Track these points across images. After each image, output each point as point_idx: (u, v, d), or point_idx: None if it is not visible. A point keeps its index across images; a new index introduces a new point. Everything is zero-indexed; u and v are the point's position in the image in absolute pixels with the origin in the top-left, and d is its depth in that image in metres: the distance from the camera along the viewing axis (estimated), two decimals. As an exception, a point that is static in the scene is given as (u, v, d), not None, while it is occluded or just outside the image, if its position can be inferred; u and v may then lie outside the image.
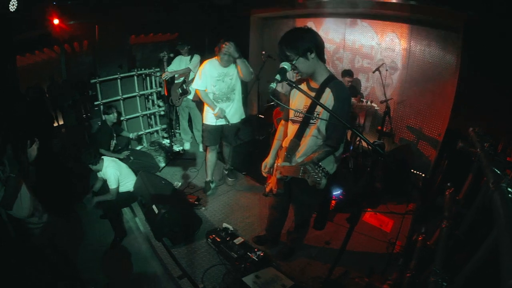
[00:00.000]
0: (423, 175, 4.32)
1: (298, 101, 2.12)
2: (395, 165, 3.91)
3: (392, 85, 4.61)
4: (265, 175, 2.47)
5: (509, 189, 1.22)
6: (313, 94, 1.97)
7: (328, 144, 2.00)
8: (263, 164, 2.43)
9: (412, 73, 4.39)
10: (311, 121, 2.04)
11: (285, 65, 1.78)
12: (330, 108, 1.87)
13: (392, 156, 4.17)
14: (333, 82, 1.95)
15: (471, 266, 1.32)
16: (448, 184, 2.22)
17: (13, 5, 3.62)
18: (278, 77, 1.68)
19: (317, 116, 1.98)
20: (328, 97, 1.92)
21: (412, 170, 4.30)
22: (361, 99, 4.18)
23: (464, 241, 1.81)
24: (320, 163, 1.75)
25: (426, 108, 4.36)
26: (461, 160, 2.49)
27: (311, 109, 2.00)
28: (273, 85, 1.66)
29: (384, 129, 4.04)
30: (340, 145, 2.05)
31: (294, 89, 2.14)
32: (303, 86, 2.08)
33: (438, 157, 3.92)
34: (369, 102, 4.18)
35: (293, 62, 1.83)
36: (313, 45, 1.84)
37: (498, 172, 1.38)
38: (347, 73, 4.38)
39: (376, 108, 4.12)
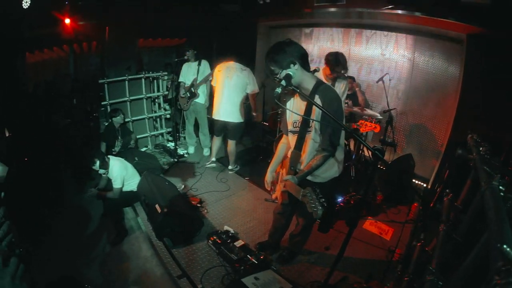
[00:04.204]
0: (424, 185, 4.33)
1: (295, 110, 2.16)
2: (397, 175, 3.92)
3: (395, 95, 4.66)
4: (268, 188, 2.53)
5: (501, 187, 1.24)
6: (305, 103, 2.04)
7: (324, 148, 2.02)
8: (266, 179, 2.50)
9: (415, 83, 4.45)
10: (308, 128, 2.08)
11: (290, 71, 1.86)
12: (321, 112, 1.93)
13: (394, 166, 4.18)
14: (320, 88, 2.00)
15: (467, 264, 1.33)
16: (447, 190, 2.24)
17: (26, 2, 3.72)
18: (283, 82, 1.77)
19: (312, 119, 2.02)
20: (317, 102, 1.96)
21: (413, 180, 4.31)
22: (365, 108, 4.21)
23: (462, 243, 1.81)
24: (318, 192, 1.77)
25: (428, 118, 4.40)
26: (461, 170, 2.51)
27: (306, 114, 2.05)
28: (278, 89, 1.74)
29: (387, 138, 4.07)
30: (335, 146, 2.05)
31: (290, 101, 2.20)
32: (296, 97, 2.15)
33: (439, 167, 3.94)
34: (372, 112, 4.21)
35: (278, 76, 1.89)
36: (295, 57, 1.90)
37: (490, 171, 1.41)
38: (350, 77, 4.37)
39: (379, 117, 4.15)
